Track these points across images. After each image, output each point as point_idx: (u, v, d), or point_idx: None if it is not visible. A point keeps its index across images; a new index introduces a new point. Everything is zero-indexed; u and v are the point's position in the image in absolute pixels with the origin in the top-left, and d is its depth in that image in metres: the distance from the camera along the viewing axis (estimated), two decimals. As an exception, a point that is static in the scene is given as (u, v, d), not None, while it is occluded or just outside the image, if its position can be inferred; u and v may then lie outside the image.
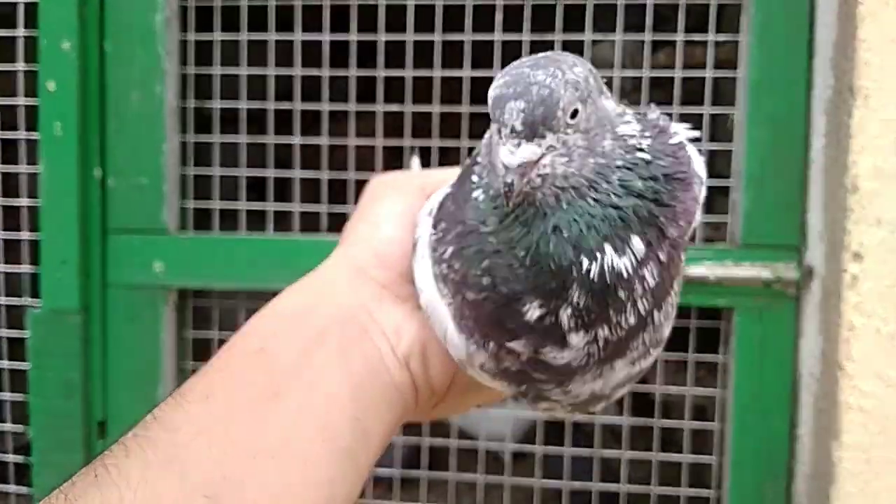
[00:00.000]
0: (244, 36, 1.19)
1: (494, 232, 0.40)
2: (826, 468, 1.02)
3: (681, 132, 0.44)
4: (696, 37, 1.13)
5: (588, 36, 1.14)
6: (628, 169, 0.39)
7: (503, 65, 1.28)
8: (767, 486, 1.11)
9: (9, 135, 1.20)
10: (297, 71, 1.19)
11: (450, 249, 0.43)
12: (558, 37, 1.14)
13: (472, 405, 0.55)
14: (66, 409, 1.17)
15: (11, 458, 1.25)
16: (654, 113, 0.45)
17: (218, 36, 1.19)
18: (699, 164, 0.44)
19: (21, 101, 1.18)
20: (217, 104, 1.22)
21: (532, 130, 0.36)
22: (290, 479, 0.38)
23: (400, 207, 0.50)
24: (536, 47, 1.14)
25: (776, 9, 1.07)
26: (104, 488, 0.34)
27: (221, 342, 1.40)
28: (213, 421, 0.38)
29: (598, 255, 0.38)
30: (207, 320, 1.26)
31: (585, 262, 0.38)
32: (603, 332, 0.40)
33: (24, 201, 1.20)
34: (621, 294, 0.38)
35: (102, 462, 0.36)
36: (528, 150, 0.36)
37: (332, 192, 1.20)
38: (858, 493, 0.99)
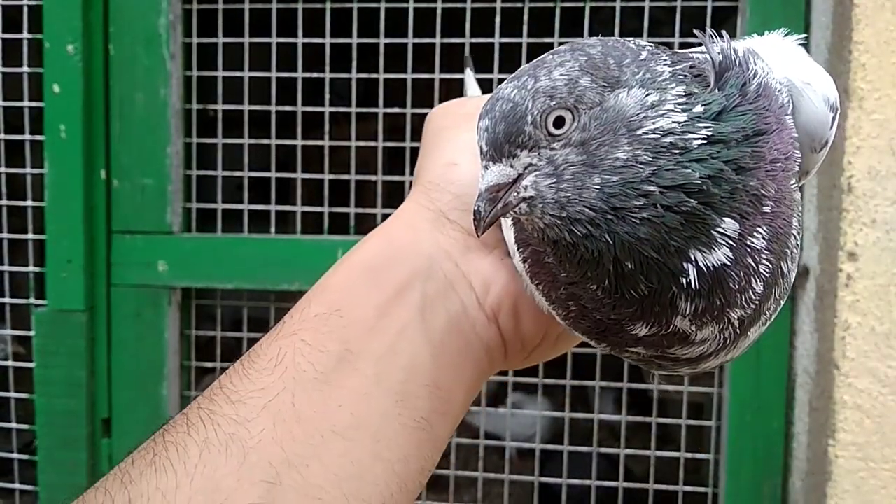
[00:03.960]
0: (247, 39, 1.20)
1: (560, 264, 0.35)
2: (822, 465, 1.03)
3: (759, 71, 0.37)
4: (692, 40, 1.14)
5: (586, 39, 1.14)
6: (669, 170, 0.31)
7: (501, 67, 1.27)
8: (764, 483, 1.13)
9: (14, 137, 1.21)
10: (299, 73, 1.20)
11: (528, 263, 0.39)
12: (556, 39, 1.15)
13: (567, 350, 0.50)
14: (70, 408, 1.18)
15: (16, 455, 1.26)
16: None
17: (221, 39, 1.21)
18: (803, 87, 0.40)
19: (26, 103, 1.19)
20: (220, 106, 1.23)
21: (498, 150, 0.32)
22: (358, 459, 0.35)
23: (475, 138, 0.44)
24: (534, 50, 1.15)
25: (772, 11, 1.08)
26: (160, 472, 0.32)
27: (224, 341, 1.40)
28: (279, 394, 0.35)
29: (686, 265, 0.32)
30: (210, 319, 1.27)
31: (678, 279, 0.32)
32: (734, 315, 0.34)
33: (29, 202, 1.21)
34: (732, 284, 0.33)
35: (163, 438, 0.34)
36: (498, 172, 0.33)
37: (334, 193, 1.22)
38: (854, 490, 1.00)
